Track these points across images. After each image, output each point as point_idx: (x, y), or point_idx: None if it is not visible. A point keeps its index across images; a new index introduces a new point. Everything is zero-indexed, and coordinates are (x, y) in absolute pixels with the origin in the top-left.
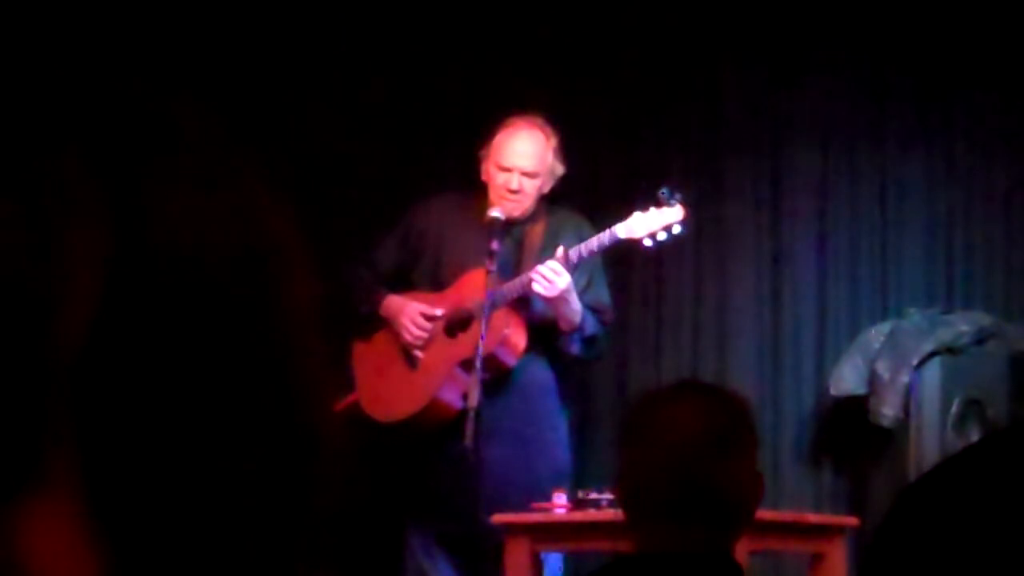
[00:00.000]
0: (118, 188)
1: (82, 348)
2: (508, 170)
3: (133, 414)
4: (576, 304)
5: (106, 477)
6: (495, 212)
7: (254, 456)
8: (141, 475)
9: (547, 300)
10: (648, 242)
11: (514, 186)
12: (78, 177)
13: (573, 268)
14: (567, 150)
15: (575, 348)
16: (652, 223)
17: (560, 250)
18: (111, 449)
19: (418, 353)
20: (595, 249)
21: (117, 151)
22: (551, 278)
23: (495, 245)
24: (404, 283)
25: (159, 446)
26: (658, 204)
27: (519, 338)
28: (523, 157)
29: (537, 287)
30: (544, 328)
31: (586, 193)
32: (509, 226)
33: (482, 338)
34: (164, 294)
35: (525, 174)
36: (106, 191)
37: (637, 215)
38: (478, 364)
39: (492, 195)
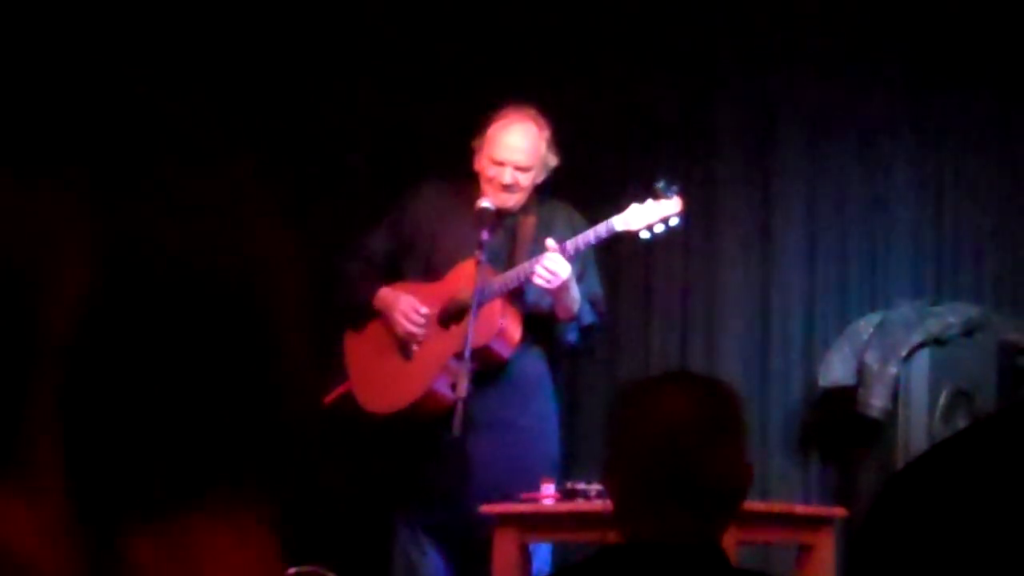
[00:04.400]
0: (113, 180)
1: (71, 338)
2: (501, 164)
3: (120, 405)
4: (576, 293)
5: (91, 466)
6: (484, 202)
7: (236, 448)
8: (126, 464)
9: (549, 291)
10: (645, 235)
11: (507, 180)
12: (73, 168)
13: (570, 260)
14: (558, 141)
15: (572, 337)
16: (649, 215)
17: (550, 242)
18: (98, 438)
19: (413, 345)
20: (592, 241)
21: (114, 146)
22: (554, 269)
23: (484, 236)
24: (397, 272)
25: (145, 438)
26: (655, 196)
27: (515, 330)
28: (516, 151)
29: (539, 280)
30: (537, 318)
31: (576, 185)
32: (502, 217)
33: (471, 329)
34: (155, 290)
35: (518, 168)
36: (101, 182)
37: (634, 207)
38: (467, 355)
39: (484, 186)
